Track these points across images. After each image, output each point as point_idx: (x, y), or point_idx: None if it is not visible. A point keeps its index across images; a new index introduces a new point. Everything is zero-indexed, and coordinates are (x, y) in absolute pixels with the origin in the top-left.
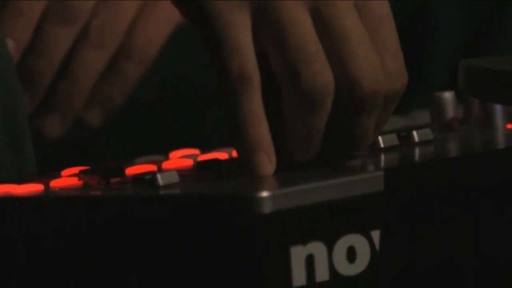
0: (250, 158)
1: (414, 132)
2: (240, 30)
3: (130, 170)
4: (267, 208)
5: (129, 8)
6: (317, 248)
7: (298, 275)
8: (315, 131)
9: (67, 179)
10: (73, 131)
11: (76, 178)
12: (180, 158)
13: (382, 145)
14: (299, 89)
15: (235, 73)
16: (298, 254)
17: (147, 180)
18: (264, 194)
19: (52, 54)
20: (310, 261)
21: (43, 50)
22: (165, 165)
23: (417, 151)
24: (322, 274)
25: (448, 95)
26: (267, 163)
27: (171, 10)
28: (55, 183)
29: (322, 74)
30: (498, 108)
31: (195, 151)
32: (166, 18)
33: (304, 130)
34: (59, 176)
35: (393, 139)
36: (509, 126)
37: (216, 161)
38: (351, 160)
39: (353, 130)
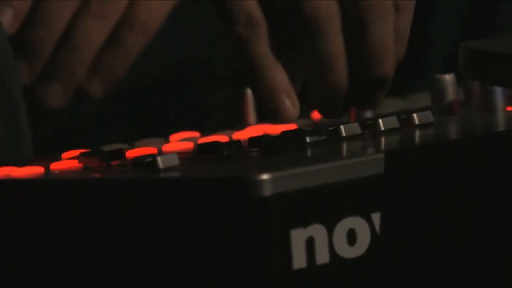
0: (272, 100)
1: (415, 115)
2: None
3: (131, 153)
4: (267, 191)
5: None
6: (318, 231)
7: (299, 258)
8: (334, 58)
9: (68, 161)
10: (75, 103)
11: (77, 161)
12: (180, 141)
13: (382, 128)
14: (304, 15)
15: (244, 20)
16: (298, 236)
17: (147, 163)
18: (265, 176)
19: (53, 24)
20: (310, 243)
21: (44, 20)
22: (165, 148)
23: (417, 133)
24: (322, 256)
25: (448, 78)
26: (290, 104)
27: None
28: (55, 166)
29: None
30: (498, 91)
31: (195, 134)
32: None
33: (322, 60)
34: (60, 158)
35: (393, 121)
36: (509, 108)
37: (216, 143)
38: (376, 100)
39: (370, 47)
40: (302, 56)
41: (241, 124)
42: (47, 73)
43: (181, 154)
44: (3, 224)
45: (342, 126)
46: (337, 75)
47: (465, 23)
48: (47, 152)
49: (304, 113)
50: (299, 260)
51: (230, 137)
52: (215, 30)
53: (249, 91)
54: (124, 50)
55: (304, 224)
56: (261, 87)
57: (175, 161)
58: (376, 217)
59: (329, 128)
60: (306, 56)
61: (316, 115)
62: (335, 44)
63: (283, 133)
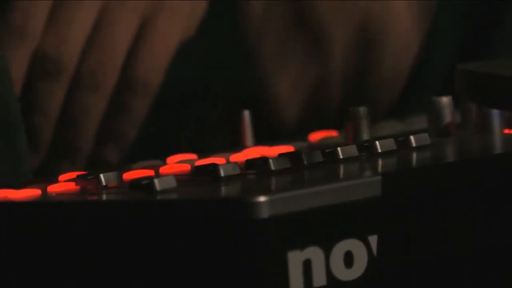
0: None
1: (412, 137)
2: None
3: (128, 175)
4: (264, 213)
5: (122, 43)
6: (315, 253)
7: (295, 280)
8: None
9: (65, 184)
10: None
11: (74, 183)
12: (178, 163)
13: (379, 150)
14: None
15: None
16: (295, 259)
17: (144, 185)
18: (262, 199)
19: (46, 108)
20: (307, 266)
21: (36, 105)
22: (163, 170)
23: (414, 155)
24: (319, 279)
25: (445, 100)
26: None
27: (170, 32)
28: (52, 188)
29: None
30: (495, 113)
31: (193, 156)
32: (165, 42)
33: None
34: (57, 181)
35: (390, 143)
36: (506, 131)
37: (213, 166)
38: None
39: None
40: None
41: (239, 146)
42: (54, 150)
43: (178, 176)
44: (0, 246)
45: (339, 148)
46: None
47: (464, 37)
48: (46, 173)
49: (302, 135)
50: (296, 283)
51: (227, 159)
52: (213, 50)
53: (246, 113)
54: (130, 113)
55: (301, 246)
56: None
57: (172, 183)
58: (373, 239)
59: (326, 150)
60: None
61: (313, 137)
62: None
63: (280, 155)
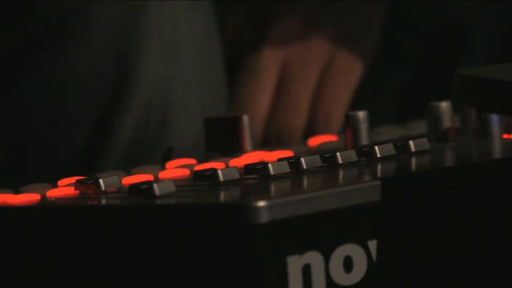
0: None
1: (411, 142)
2: None
3: (127, 180)
4: (264, 218)
5: (304, 100)
6: (314, 258)
7: (295, 285)
8: None
9: (64, 188)
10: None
11: (73, 188)
12: (177, 168)
13: (378, 155)
14: None
15: None
16: (294, 264)
17: (143, 190)
18: (261, 203)
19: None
20: (306, 271)
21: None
22: (162, 175)
23: (413, 160)
24: (319, 284)
25: (444, 105)
26: None
27: (351, 71)
28: (51, 193)
29: None
30: (494, 118)
31: (192, 161)
32: (347, 83)
33: None
34: (56, 185)
35: (389, 148)
36: (505, 136)
37: (212, 171)
38: None
39: None
40: None
41: (238, 151)
42: None
43: (178, 181)
44: None
45: (338, 153)
46: None
47: (497, 51)
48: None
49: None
50: (295, 287)
51: (227, 164)
52: (215, 53)
53: (245, 118)
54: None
55: (301, 251)
56: None
57: (172, 188)
58: (372, 244)
59: (326, 155)
60: None
61: (312, 142)
62: None
63: (280, 160)
